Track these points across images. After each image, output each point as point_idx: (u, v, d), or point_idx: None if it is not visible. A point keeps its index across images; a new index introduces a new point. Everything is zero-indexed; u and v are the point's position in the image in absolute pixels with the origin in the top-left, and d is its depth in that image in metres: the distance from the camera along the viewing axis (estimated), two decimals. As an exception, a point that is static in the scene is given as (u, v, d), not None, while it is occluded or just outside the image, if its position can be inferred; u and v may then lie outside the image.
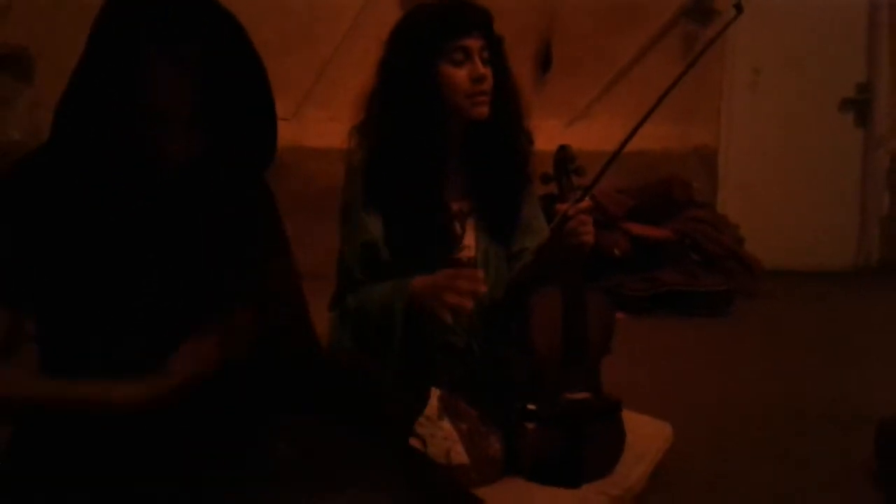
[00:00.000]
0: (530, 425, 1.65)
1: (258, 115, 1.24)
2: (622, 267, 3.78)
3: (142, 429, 1.11)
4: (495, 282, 1.80)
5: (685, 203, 4.17)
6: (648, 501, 1.75)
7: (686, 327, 3.57)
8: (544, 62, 4.39)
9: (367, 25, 4.13)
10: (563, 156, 1.74)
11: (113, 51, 1.13)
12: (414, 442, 1.58)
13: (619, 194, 4.04)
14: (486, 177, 1.79)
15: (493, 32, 1.73)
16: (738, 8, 1.71)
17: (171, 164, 1.18)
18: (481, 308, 1.77)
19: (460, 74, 1.68)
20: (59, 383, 1.15)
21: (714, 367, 2.97)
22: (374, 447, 1.20)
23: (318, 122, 4.18)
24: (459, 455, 1.61)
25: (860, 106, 4.90)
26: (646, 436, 1.86)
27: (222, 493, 1.05)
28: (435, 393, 1.68)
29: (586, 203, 1.66)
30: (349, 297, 1.72)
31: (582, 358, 1.69)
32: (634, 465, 1.76)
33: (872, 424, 1.97)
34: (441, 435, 1.62)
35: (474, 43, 1.68)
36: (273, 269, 1.35)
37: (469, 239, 1.80)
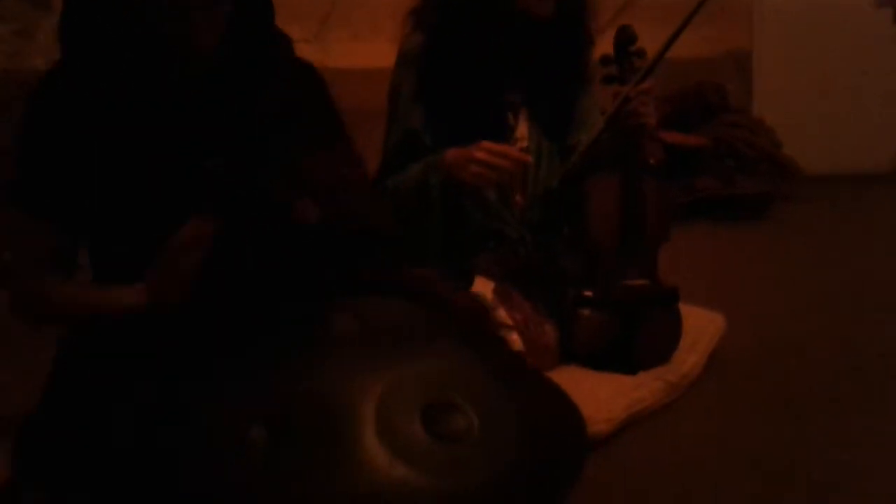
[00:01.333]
0: (585, 311, 1.64)
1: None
2: (659, 176, 3.71)
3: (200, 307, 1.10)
4: (547, 175, 1.77)
5: (720, 108, 4.07)
6: (704, 388, 1.73)
7: (725, 232, 3.52)
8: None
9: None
10: (624, 37, 1.71)
11: None
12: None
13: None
14: (543, 73, 1.75)
15: None
16: None
17: (200, 55, 1.14)
18: (534, 198, 1.75)
19: None
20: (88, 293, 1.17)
21: (756, 267, 2.94)
22: (436, 321, 1.18)
23: (340, 42, 4.10)
24: (515, 342, 1.60)
25: (898, 2, 4.71)
26: (699, 325, 1.84)
27: (284, 365, 1.03)
28: (488, 284, 1.66)
29: (647, 84, 1.62)
30: (388, 181, 1.70)
31: (639, 243, 1.67)
32: (689, 353, 1.76)
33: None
34: (496, 323, 1.61)
35: None
36: (323, 158, 1.32)
37: (522, 130, 1.77)
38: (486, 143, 1.54)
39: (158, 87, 1.14)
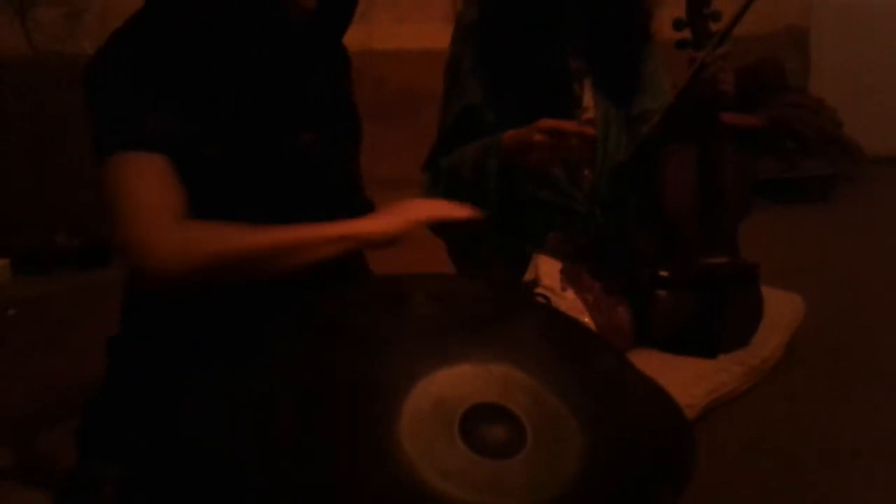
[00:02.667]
0: (662, 292, 1.55)
1: None
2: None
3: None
4: (616, 146, 1.68)
5: (778, 87, 3.92)
6: (783, 373, 1.64)
7: (789, 214, 3.39)
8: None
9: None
10: (698, -2, 1.60)
11: None
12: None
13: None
14: (605, 33, 1.66)
15: None
16: None
17: (300, 16, 1.11)
18: (603, 171, 1.66)
19: None
20: (294, 227, 1.04)
21: (826, 250, 2.82)
22: (513, 303, 1.11)
23: (386, 23, 4.01)
24: (586, 324, 1.51)
25: (965, -27, 4.50)
26: (778, 307, 1.75)
27: (359, 344, 0.96)
28: (556, 265, 1.58)
29: (724, 49, 1.52)
30: (442, 159, 1.63)
31: (718, 218, 1.57)
32: (770, 336, 1.67)
33: None
34: (565, 305, 1.52)
35: None
36: None
37: (588, 100, 1.68)
38: (543, 123, 1.45)
39: (256, 47, 1.10)
